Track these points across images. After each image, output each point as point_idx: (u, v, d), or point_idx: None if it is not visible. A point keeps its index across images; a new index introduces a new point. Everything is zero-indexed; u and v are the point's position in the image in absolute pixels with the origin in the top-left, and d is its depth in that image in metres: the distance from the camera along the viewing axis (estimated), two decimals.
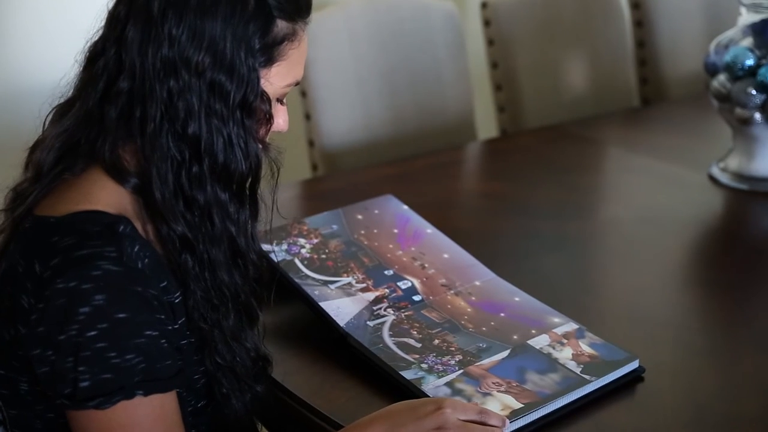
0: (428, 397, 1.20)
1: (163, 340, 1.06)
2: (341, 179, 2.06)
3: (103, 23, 1.10)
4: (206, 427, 1.20)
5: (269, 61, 1.11)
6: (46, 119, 1.15)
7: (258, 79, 1.10)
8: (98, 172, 1.10)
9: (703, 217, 1.85)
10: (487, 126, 2.60)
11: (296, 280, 1.41)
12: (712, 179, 1.93)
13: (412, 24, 2.31)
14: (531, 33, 2.46)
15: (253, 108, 1.10)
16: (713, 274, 1.65)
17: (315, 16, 2.18)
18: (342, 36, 2.23)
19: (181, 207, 1.08)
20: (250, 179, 1.13)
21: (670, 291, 1.59)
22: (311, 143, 2.26)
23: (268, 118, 1.13)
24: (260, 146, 1.13)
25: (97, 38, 1.11)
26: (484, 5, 2.43)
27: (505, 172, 2.08)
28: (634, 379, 1.29)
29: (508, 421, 1.16)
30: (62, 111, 1.14)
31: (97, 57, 1.10)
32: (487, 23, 2.43)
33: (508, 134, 2.45)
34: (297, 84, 1.17)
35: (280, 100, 1.17)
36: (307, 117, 2.24)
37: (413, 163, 2.08)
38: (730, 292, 1.56)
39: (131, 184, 1.09)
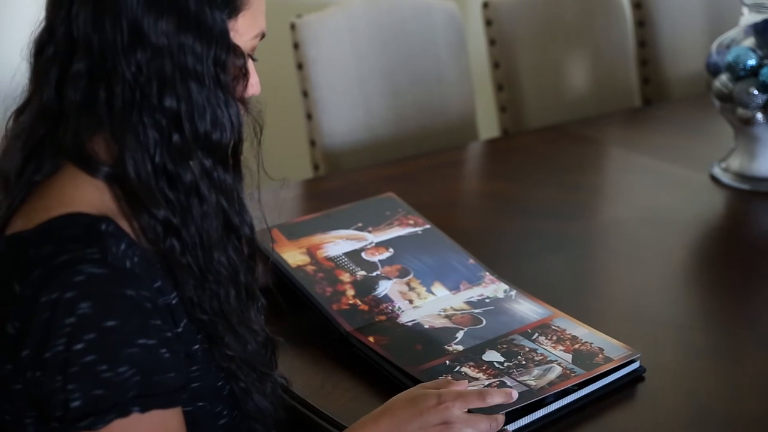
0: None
1: (163, 350, 0.97)
2: (343, 179, 2.06)
3: (44, 13, 1.03)
4: None
5: (234, 11, 1.04)
6: (6, 126, 1.08)
7: (227, 31, 1.03)
8: (69, 169, 1.02)
9: (704, 217, 1.85)
10: (488, 126, 2.60)
11: (298, 280, 1.41)
12: (714, 179, 1.93)
13: (413, 24, 2.31)
14: (532, 33, 2.46)
15: (228, 64, 1.03)
16: (715, 274, 1.65)
17: (316, 16, 2.21)
18: (343, 36, 2.23)
19: (164, 188, 1.01)
20: (233, 142, 1.05)
21: (671, 291, 1.59)
22: (313, 143, 2.26)
23: (245, 74, 1.06)
24: (240, 105, 1.07)
25: (41, 28, 1.03)
26: (485, 5, 2.43)
27: (506, 172, 2.08)
28: (634, 379, 1.29)
29: (515, 392, 1.16)
30: (20, 111, 1.07)
31: (44, 46, 1.02)
32: (488, 23, 2.43)
33: (510, 134, 2.45)
34: (263, 36, 1.09)
35: (250, 56, 1.09)
36: (309, 117, 2.24)
37: (415, 163, 2.08)
38: (732, 292, 1.56)
39: (103, 172, 1.01)
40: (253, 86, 1.10)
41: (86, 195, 1.01)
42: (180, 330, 1.02)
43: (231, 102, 1.04)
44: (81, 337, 0.93)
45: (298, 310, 1.42)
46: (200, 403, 1.05)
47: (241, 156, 1.09)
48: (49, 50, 1.02)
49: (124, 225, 1.00)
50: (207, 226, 1.03)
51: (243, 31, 1.05)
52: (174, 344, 1.00)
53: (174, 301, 1.02)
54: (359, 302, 1.39)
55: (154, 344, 0.96)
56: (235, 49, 1.04)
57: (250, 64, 1.10)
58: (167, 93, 0.99)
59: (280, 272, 1.43)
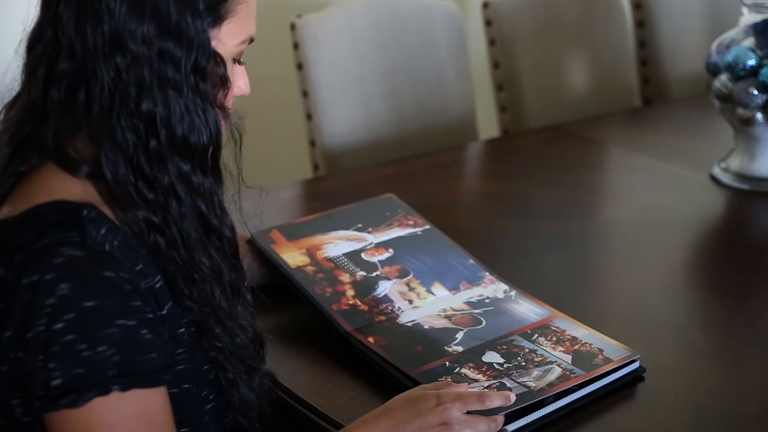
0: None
1: (144, 330, 0.98)
2: (342, 179, 2.06)
3: (38, 8, 1.04)
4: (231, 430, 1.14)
5: (217, 19, 1.05)
6: None
7: (208, 40, 1.04)
8: (53, 163, 1.04)
9: (704, 217, 1.85)
10: (488, 126, 2.60)
11: (297, 279, 1.41)
12: (714, 179, 1.93)
13: (413, 24, 2.31)
14: (532, 33, 2.46)
15: (207, 72, 1.04)
16: (714, 274, 1.65)
17: (316, 16, 2.21)
18: (343, 36, 2.23)
19: (143, 189, 1.03)
20: (211, 148, 1.07)
21: (671, 291, 1.59)
22: (312, 143, 2.26)
23: (225, 81, 1.07)
24: (220, 112, 1.08)
25: (34, 25, 1.05)
26: (485, 5, 2.43)
27: (506, 172, 2.08)
28: (634, 379, 1.29)
29: (513, 395, 1.16)
30: (10, 106, 1.08)
31: (35, 43, 1.04)
32: (488, 23, 2.43)
33: (510, 134, 2.45)
34: (252, 41, 1.10)
35: (237, 60, 1.10)
36: (309, 117, 2.24)
37: (414, 163, 2.08)
38: (732, 292, 1.56)
39: (84, 172, 1.02)
40: (242, 87, 1.12)
41: (70, 185, 1.03)
42: (164, 313, 1.04)
43: (209, 109, 1.06)
44: (61, 317, 0.95)
45: (298, 310, 1.42)
46: (186, 386, 1.07)
47: (221, 160, 1.10)
48: (39, 48, 1.04)
49: (107, 212, 1.02)
50: (186, 227, 1.06)
51: (227, 39, 1.06)
52: (156, 326, 1.01)
53: (158, 285, 1.03)
54: (359, 302, 1.39)
55: (135, 325, 0.98)
56: (215, 57, 1.06)
57: (239, 68, 1.12)
58: (145, 99, 1.01)
59: (279, 273, 1.43)
